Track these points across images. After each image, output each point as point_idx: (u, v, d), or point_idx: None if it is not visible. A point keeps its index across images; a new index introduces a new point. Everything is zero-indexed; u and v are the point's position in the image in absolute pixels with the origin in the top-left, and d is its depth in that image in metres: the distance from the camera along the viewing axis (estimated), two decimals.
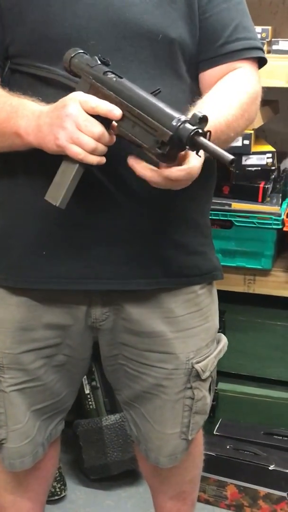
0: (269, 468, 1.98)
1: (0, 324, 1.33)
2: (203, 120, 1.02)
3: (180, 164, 1.07)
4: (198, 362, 1.34)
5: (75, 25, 1.20)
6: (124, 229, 1.24)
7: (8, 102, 1.19)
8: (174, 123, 1.02)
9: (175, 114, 1.03)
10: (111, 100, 1.10)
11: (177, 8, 1.22)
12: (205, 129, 1.03)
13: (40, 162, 1.19)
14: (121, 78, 1.12)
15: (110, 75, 1.12)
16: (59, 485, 2.09)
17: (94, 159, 1.11)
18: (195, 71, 1.29)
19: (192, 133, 1.00)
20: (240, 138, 1.98)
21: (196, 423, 1.38)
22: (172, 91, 1.23)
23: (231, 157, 0.99)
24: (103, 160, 1.12)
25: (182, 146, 1.03)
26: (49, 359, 1.34)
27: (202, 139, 1.01)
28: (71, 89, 1.16)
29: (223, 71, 1.27)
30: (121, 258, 1.25)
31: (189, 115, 1.04)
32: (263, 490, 1.99)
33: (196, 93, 1.27)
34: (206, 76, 1.28)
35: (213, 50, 1.27)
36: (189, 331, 1.33)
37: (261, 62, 1.33)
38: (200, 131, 1.01)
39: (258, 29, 2.01)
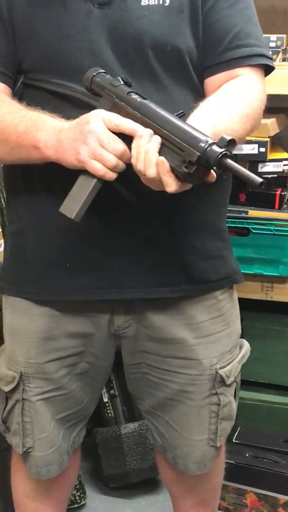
0: None
1: (24, 335, 1.34)
2: (231, 142, 1.03)
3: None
4: (222, 368, 1.34)
5: (87, 39, 1.21)
6: (143, 238, 1.25)
7: (28, 116, 1.20)
8: (202, 144, 1.03)
9: (202, 136, 1.04)
10: (136, 120, 1.11)
11: (184, 17, 1.23)
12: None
13: (60, 178, 1.20)
14: (145, 99, 1.13)
15: (134, 96, 1.14)
16: (78, 493, 2.09)
17: (113, 176, 1.12)
18: (201, 78, 1.28)
19: (220, 156, 1.01)
20: (256, 146, 1.98)
21: (224, 429, 1.38)
22: (185, 101, 1.24)
23: (260, 180, 1.00)
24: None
25: (208, 167, 1.04)
26: (72, 368, 1.35)
27: (230, 161, 1.02)
28: (90, 107, 1.17)
29: (224, 78, 1.26)
30: (143, 267, 1.26)
31: (193, 122, 1.05)
32: (283, 498, 1.98)
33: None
34: (209, 83, 1.28)
35: (213, 57, 1.26)
36: (211, 336, 1.34)
37: (269, 68, 1.30)
38: (228, 153, 1.02)
39: (273, 37, 2.02)
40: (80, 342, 1.33)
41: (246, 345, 1.45)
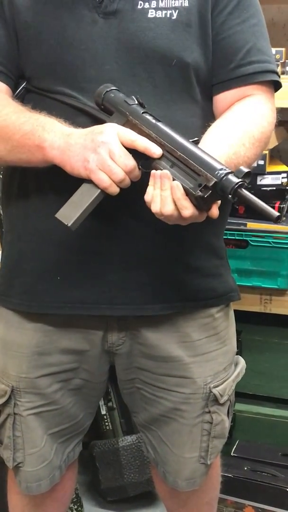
0: (287, 489, 1.96)
1: (16, 349, 1.33)
2: (248, 175, 1.04)
3: None
4: (216, 386, 1.33)
5: (90, 49, 1.20)
6: (137, 255, 1.24)
7: (35, 117, 1.19)
8: (220, 171, 1.03)
9: (219, 165, 1.05)
10: (151, 139, 1.11)
11: (192, 32, 1.21)
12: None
13: (55, 188, 1.20)
14: (159, 121, 1.13)
15: (148, 116, 1.14)
16: (76, 506, 2.08)
17: (117, 190, 1.12)
18: (210, 94, 1.27)
19: (237, 185, 1.02)
20: None
21: (215, 447, 1.37)
22: (186, 116, 1.23)
23: (276, 214, 1.01)
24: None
25: (222, 196, 1.04)
26: (65, 383, 1.34)
27: (247, 192, 1.03)
28: (99, 121, 1.17)
29: (236, 95, 1.25)
30: (135, 283, 1.25)
31: (206, 147, 1.06)
32: None
33: (211, 117, 1.26)
34: (219, 99, 1.27)
35: (225, 74, 1.25)
36: (206, 355, 1.32)
37: (277, 85, 1.30)
38: (245, 184, 1.03)
39: (272, 51, 2.02)
40: (73, 358, 1.32)
41: (242, 362, 1.44)
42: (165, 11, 1.20)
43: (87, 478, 2.23)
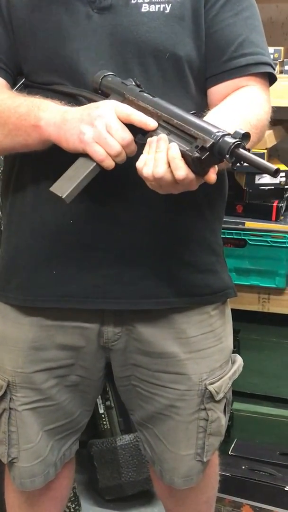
0: (285, 488, 1.96)
1: (12, 343, 1.33)
2: (246, 136, 1.03)
3: None
4: (211, 384, 1.33)
5: (85, 44, 1.21)
6: (131, 249, 1.24)
7: (30, 99, 1.20)
8: (217, 133, 1.02)
9: (216, 128, 1.04)
10: (148, 113, 1.11)
11: (185, 25, 1.22)
12: None
13: (51, 183, 1.20)
14: (155, 97, 1.14)
15: (145, 94, 1.15)
16: (73, 505, 2.08)
17: (112, 164, 1.11)
18: (203, 87, 1.28)
19: (234, 145, 1.01)
20: None
21: (211, 444, 1.37)
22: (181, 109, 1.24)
23: (274, 167, 1.00)
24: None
25: (219, 157, 1.03)
26: (61, 379, 1.34)
27: (244, 151, 1.01)
28: None
29: (229, 87, 1.25)
30: (130, 277, 1.25)
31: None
32: (279, 511, 1.97)
33: (205, 110, 1.26)
34: (213, 92, 1.27)
35: (218, 66, 1.25)
36: (202, 352, 1.33)
37: (272, 78, 1.30)
38: (242, 144, 1.02)
39: (271, 49, 2.02)
40: (69, 355, 1.33)
41: (239, 360, 1.44)
42: (158, 5, 1.21)
43: (85, 477, 2.23)
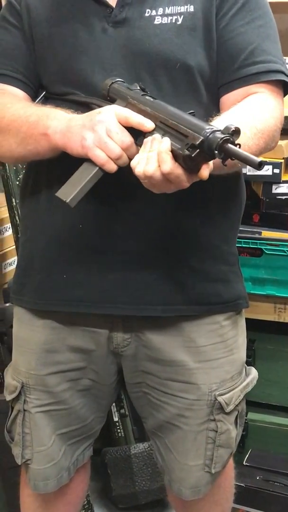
0: None
1: (26, 345, 1.36)
2: (236, 132, 1.03)
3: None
4: (221, 395, 1.32)
5: (99, 56, 1.24)
6: (139, 255, 1.25)
7: (41, 108, 1.25)
8: (206, 130, 1.03)
9: (207, 125, 1.04)
10: (146, 114, 1.13)
11: (197, 35, 1.24)
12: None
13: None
14: (155, 100, 1.16)
15: (147, 97, 1.17)
16: None
17: (114, 168, 1.13)
18: (216, 96, 1.29)
19: (222, 140, 1.01)
20: (270, 167, 1.98)
21: (220, 456, 1.35)
22: None
23: (258, 160, 0.99)
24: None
25: (210, 154, 1.03)
26: (74, 383, 1.35)
27: (232, 146, 1.01)
28: None
29: (240, 95, 1.26)
30: (138, 283, 1.26)
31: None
32: None
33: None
34: (225, 100, 1.28)
35: (229, 75, 1.26)
36: (211, 362, 1.32)
37: (287, 86, 1.29)
38: (230, 139, 1.02)
39: (285, 59, 2.02)
40: (81, 357, 1.34)
41: (254, 373, 1.42)
42: (171, 17, 1.23)
43: (99, 485, 2.23)
